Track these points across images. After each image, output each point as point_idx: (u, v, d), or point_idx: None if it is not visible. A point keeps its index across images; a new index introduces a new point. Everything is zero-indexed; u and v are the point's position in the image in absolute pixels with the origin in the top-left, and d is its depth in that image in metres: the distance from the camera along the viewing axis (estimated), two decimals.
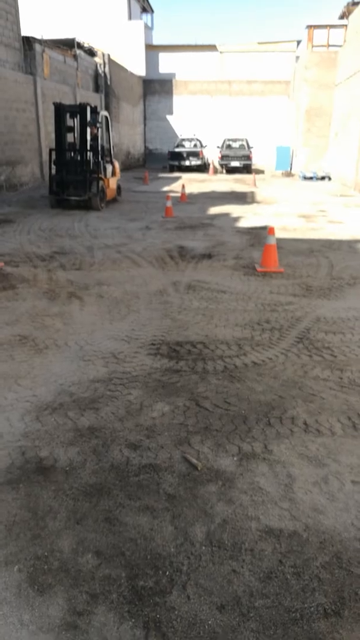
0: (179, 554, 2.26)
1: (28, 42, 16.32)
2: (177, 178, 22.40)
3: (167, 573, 2.16)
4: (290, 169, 26.42)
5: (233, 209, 13.37)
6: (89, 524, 2.43)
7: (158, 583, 2.12)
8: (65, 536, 2.36)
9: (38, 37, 17.04)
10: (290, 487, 2.71)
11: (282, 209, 13.43)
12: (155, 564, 2.21)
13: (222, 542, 2.34)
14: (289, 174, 25.76)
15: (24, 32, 16.32)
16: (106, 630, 1.92)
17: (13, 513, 2.50)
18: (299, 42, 28.07)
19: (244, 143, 26.38)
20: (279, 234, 8.98)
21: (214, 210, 13.24)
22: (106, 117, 13.20)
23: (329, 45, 23.06)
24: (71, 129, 12.49)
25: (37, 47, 16.69)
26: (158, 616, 1.97)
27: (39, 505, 2.55)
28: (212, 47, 29.63)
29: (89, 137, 11.85)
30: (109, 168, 13.14)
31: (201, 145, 26.76)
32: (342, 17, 23.29)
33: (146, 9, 31.76)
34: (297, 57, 27.24)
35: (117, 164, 14.07)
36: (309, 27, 23.14)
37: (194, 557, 2.25)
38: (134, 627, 1.93)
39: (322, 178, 22.21)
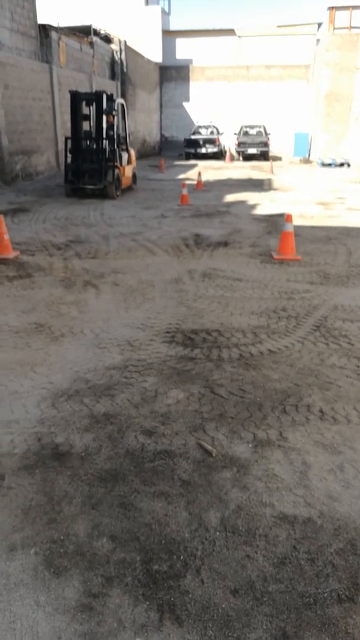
0: (194, 539, 2.27)
1: (44, 30, 16.28)
2: (193, 166, 22.25)
3: (182, 557, 2.18)
4: (309, 155, 26.02)
5: (250, 197, 13.24)
6: (104, 509, 2.46)
7: (172, 567, 2.13)
8: (80, 521, 2.39)
9: (54, 24, 16.98)
10: (305, 475, 2.70)
11: (299, 197, 13.26)
12: (170, 548, 2.23)
13: (237, 527, 2.34)
14: (307, 161, 25.38)
15: (40, 20, 16.28)
16: (121, 612, 1.94)
17: (29, 498, 2.53)
18: (319, 25, 27.47)
19: (262, 130, 26.05)
20: (296, 221, 8.86)
21: (230, 197, 13.13)
22: (122, 105, 13.13)
23: (351, 27, 22.52)
24: (87, 117, 12.45)
25: (54, 35, 16.64)
26: (172, 599, 1.99)
27: (55, 490, 2.58)
28: (230, 32, 29.20)
29: (104, 125, 11.81)
30: (125, 156, 13.10)
31: (218, 133, 26.50)
32: None
33: None
34: (318, 40, 26.68)
35: (132, 152, 14.01)
36: (331, 8, 22.58)
37: (208, 542, 2.26)
38: (148, 609, 1.95)
39: (341, 165, 21.82)
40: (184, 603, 1.97)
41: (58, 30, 17.06)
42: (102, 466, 2.76)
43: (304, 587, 2.04)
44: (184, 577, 2.09)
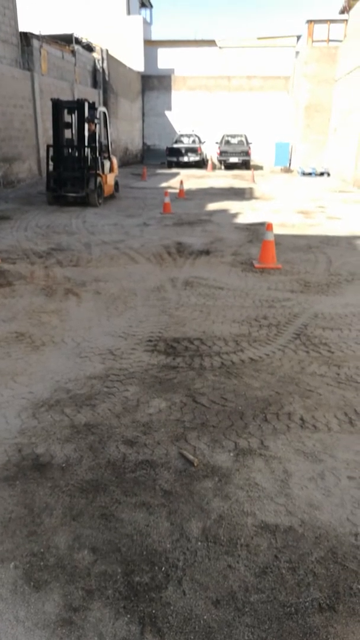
0: (175, 550, 2.27)
1: (26, 37, 16.24)
2: (176, 174, 22.36)
3: (163, 569, 2.17)
4: (289, 165, 26.37)
5: (231, 205, 13.35)
6: (85, 520, 2.44)
7: (154, 579, 2.12)
8: (61, 533, 2.36)
9: (36, 32, 16.96)
10: (287, 483, 2.72)
11: (280, 205, 13.41)
12: (151, 559, 2.22)
13: (218, 537, 2.34)
14: (287, 170, 25.71)
15: (22, 28, 16.24)
16: (102, 625, 1.92)
17: (9, 510, 2.50)
18: (299, 37, 27.98)
19: (243, 139, 26.33)
20: (277, 230, 8.96)
21: (212, 206, 13.21)
22: (104, 113, 13.15)
23: (329, 40, 22.99)
24: (69, 125, 12.44)
25: (35, 43, 16.61)
26: (154, 611, 1.98)
27: (35, 502, 2.55)
28: (211, 43, 29.51)
29: (86, 134, 11.82)
30: (107, 164, 13.10)
31: (200, 141, 26.71)
32: (342, 11, 23.25)
33: (145, 3, 31.64)
34: (297, 53, 27.16)
35: (115, 160, 14.02)
36: (309, 21, 23.05)
37: (189, 552, 2.26)
38: (129, 622, 1.93)
39: (321, 174, 22.17)
40: (165, 615, 1.96)
41: (40, 38, 17.04)
42: (83, 477, 2.74)
43: (285, 597, 2.04)
44: (165, 588, 2.08)
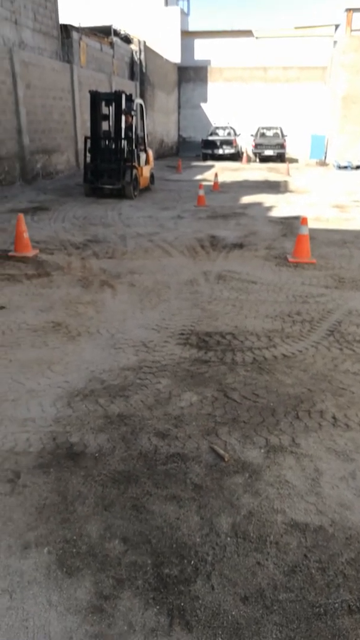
0: (204, 544, 2.28)
1: (66, 30, 16.40)
2: (210, 167, 22.23)
3: (192, 562, 2.19)
4: (325, 158, 25.85)
5: (266, 198, 13.20)
6: (116, 510, 2.48)
7: (183, 572, 2.15)
8: (93, 521, 2.41)
9: (75, 25, 17.09)
10: (317, 482, 2.69)
11: (315, 199, 13.18)
12: (181, 552, 2.24)
13: (248, 534, 2.35)
14: (323, 163, 25.22)
15: (62, 20, 16.40)
16: (131, 615, 1.96)
17: (44, 496, 2.57)
18: (337, 27, 27.30)
19: (278, 131, 25.97)
20: (312, 224, 8.82)
21: (246, 199, 13.10)
22: (141, 105, 13.17)
23: None
24: (106, 117, 12.53)
25: (75, 35, 16.76)
26: (182, 604, 2.00)
27: (69, 490, 2.61)
28: (247, 33, 29.12)
29: (123, 126, 11.87)
30: (143, 156, 13.14)
31: (235, 134, 26.47)
32: None
33: None
34: (335, 42, 26.52)
35: (150, 153, 14.05)
36: (348, 10, 22.43)
37: (219, 547, 2.27)
38: (158, 613, 1.96)
39: (357, 167, 21.65)
40: (194, 609, 1.98)
41: (79, 30, 17.17)
42: (115, 467, 2.78)
43: (314, 597, 2.03)
44: (194, 582, 2.10)
